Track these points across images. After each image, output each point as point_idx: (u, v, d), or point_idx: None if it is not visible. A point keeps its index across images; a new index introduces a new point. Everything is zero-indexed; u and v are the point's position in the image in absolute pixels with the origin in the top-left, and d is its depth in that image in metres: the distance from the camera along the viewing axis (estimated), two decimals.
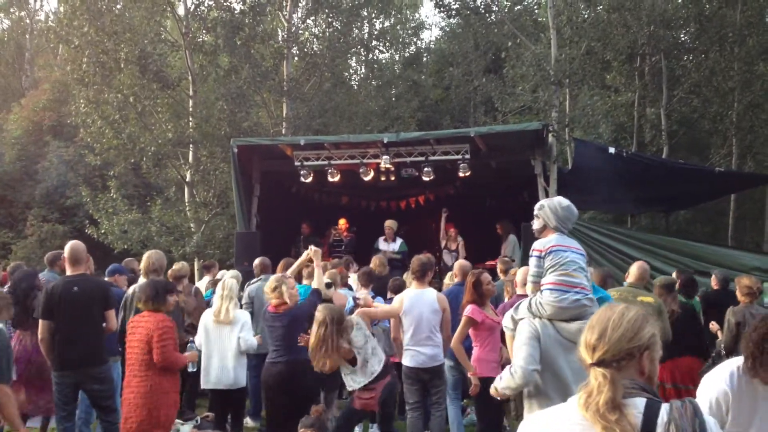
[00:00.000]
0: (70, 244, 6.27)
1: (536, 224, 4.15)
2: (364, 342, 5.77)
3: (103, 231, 16.65)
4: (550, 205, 4.10)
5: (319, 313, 5.60)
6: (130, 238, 16.23)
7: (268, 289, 6.15)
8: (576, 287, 3.89)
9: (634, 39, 17.78)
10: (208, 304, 7.42)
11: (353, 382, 5.79)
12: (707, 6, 19.13)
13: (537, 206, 4.17)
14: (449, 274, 8.36)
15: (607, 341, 2.00)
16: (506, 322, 4.29)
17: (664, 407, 1.94)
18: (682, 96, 18.79)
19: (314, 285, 6.53)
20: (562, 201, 4.15)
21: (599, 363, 1.99)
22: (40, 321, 6.05)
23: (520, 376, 3.75)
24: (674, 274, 8.70)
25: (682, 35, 20.09)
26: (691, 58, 19.46)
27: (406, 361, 6.50)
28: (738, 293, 6.51)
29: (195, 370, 6.25)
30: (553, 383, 3.75)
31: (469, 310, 6.07)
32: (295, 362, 5.92)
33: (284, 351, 5.96)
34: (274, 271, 8.83)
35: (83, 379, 5.98)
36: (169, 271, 7.86)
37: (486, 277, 6.21)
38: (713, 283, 8.78)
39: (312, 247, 6.63)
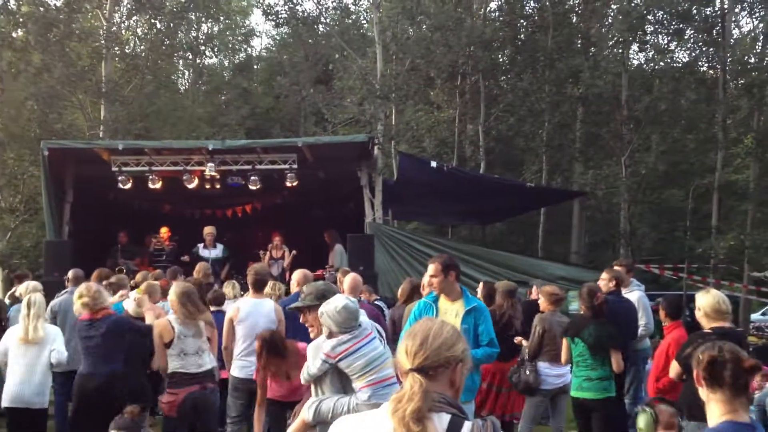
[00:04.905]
0: None
1: (325, 331, 4.16)
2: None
3: None
4: (327, 312, 4.10)
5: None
6: None
7: (78, 297, 5.76)
8: (388, 380, 4.03)
9: (455, 58, 18.65)
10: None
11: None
12: (522, 30, 20.50)
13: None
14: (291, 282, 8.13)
15: (428, 348, 2.04)
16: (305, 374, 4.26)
17: (467, 425, 1.99)
18: (499, 114, 19.97)
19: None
20: (337, 304, 4.13)
21: (418, 369, 2.02)
22: None
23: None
24: (480, 285, 9.05)
25: (499, 57, 21.38)
26: (507, 78, 20.71)
27: (236, 372, 6.24)
28: (543, 301, 6.71)
29: None
30: None
31: None
32: (113, 375, 5.62)
33: (101, 363, 5.64)
34: None
35: None
36: None
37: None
38: (532, 293, 9.25)
39: None
